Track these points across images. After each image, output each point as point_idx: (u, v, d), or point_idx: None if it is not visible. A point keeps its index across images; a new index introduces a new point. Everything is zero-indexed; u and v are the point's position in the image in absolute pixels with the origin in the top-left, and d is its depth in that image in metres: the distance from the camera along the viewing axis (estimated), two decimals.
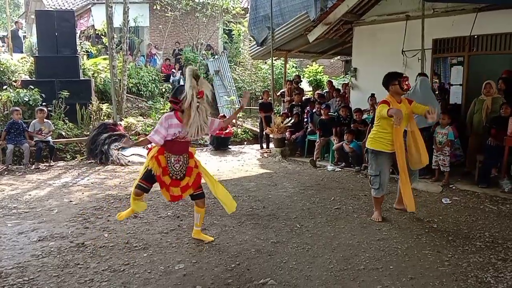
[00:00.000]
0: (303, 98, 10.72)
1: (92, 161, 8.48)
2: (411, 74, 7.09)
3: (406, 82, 4.50)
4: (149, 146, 4.25)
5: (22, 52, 13.74)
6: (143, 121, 11.25)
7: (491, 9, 7.00)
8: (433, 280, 3.28)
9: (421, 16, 7.45)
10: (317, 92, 11.90)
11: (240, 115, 13.71)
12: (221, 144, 10.34)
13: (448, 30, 7.61)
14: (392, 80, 4.52)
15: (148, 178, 3.86)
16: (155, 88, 14.22)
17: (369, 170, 4.80)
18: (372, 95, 8.07)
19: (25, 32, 17.93)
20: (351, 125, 7.92)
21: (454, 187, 6.21)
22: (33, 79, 10.81)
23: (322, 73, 16.82)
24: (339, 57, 15.35)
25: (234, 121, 12.80)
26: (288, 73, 14.77)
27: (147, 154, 4.03)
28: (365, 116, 8.26)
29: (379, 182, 4.63)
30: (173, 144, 3.82)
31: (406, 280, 3.30)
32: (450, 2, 7.33)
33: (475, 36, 7.38)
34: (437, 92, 7.93)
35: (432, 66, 8.08)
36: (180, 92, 3.67)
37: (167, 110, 11.17)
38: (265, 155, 9.47)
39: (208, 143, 10.89)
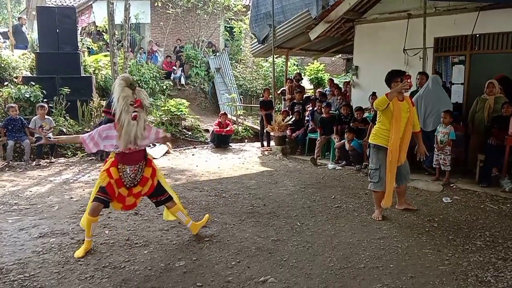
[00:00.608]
0: (304, 96, 10.71)
1: (93, 157, 8.49)
2: (413, 73, 7.09)
3: (408, 81, 4.52)
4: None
5: (26, 47, 13.69)
6: None
7: (493, 8, 6.99)
8: (433, 279, 3.29)
9: (423, 14, 7.44)
10: (319, 90, 11.88)
11: (241, 113, 13.68)
12: (221, 142, 10.34)
13: (450, 29, 7.60)
14: (395, 77, 4.57)
15: (104, 189, 3.68)
16: (156, 85, 14.21)
17: (370, 164, 4.89)
18: (374, 94, 8.06)
19: (26, 28, 17.90)
20: (351, 124, 7.92)
21: (454, 186, 6.21)
22: (34, 75, 10.80)
23: (323, 71, 16.81)
24: (340, 55, 15.35)
25: (234, 118, 12.82)
26: (289, 71, 14.75)
27: (103, 165, 3.86)
28: (366, 114, 8.26)
29: (378, 176, 4.70)
30: (126, 155, 3.65)
31: (406, 278, 3.30)
32: (452, 0, 7.32)
33: (477, 35, 7.37)
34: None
35: (434, 64, 8.07)
36: (111, 103, 3.49)
37: (168, 107, 11.21)
38: (266, 153, 9.47)
39: (209, 140, 10.89)
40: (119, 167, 3.71)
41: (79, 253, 3.70)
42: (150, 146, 3.64)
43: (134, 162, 3.72)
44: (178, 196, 4.35)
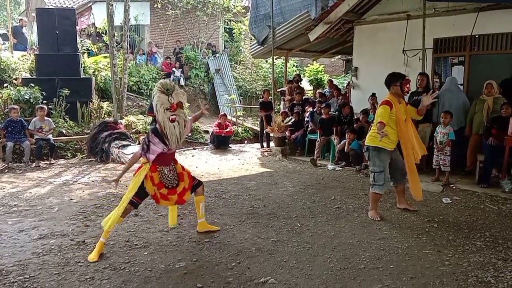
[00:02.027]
0: (303, 97, 10.72)
1: (93, 159, 8.49)
2: (412, 74, 7.11)
3: (408, 85, 4.57)
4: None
5: (26, 48, 13.70)
6: (143, 119, 11.22)
7: (492, 8, 7.00)
8: (433, 280, 3.28)
9: (422, 15, 7.44)
10: (319, 91, 11.89)
11: (241, 114, 13.70)
12: (221, 143, 10.34)
13: (449, 30, 7.60)
14: (395, 81, 4.61)
15: (140, 195, 3.86)
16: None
17: (372, 167, 4.78)
18: (373, 95, 8.07)
19: (26, 30, 17.91)
20: (355, 125, 7.91)
21: (454, 187, 6.21)
22: (34, 77, 10.80)
23: (323, 72, 16.82)
24: (339, 56, 15.35)
25: (234, 119, 12.83)
26: (289, 72, 14.76)
27: (137, 170, 3.95)
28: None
29: (383, 178, 4.67)
30: (163, 157, 3.87)
31: (407, 279, 3.30)
32: (451, 1, 7.33)
33: (476, 36, 7.37)
34: (438, 92, 7.92)
35: (433, 65, 8.07)
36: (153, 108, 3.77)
37: None
38: (266, 154, 9.47)
39: (209, 141, 10.89)
40: (158, 169, 3.90)
41: (93, 256, 3.68)
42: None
43: (169, 162, 3.98)
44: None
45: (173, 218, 4.15)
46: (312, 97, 11.75)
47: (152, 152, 3.80)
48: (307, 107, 9.70)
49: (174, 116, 3.73)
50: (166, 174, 3.94)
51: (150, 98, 3.88)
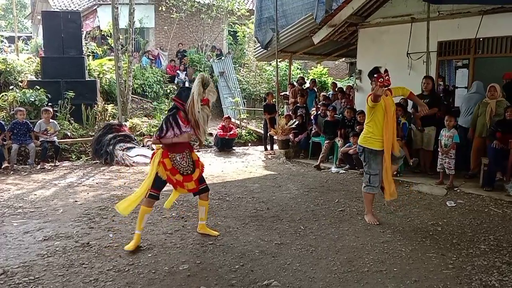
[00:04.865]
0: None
1: (97, 161, 8.53)
2: (416, 77, 7.12)
3: (379, 80, 4.36)
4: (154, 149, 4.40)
5: None
6: (147, 122, 11.29)
7: (496, 11, 6.99)
8: (437, 283, 3.28)
9: (426, 18, 7.45)
10: (323, 94, 11.90)
11: (244, 117, 13.72)
12: (225, 145, 10.36)
13: (454, 33, 7.60)
14: (371, 77, 4.55)
15: (157, 185, 4.01)
16: (160, 89, 14.28)
17: (367, 170, 4.73)
18: None
19: (31, 33, 18.04)
20: (357, 128, 7.89)
21: (458, 190, 6.19)
22: (39, 79, 10.89)
23: (327, 75, 16.82)
24: (344, 59, 15.35)
25: (238, 122, 12.85)
26: (293, 75, 14.76)
27: (152, 158, 4.14)
28: None
29: (378, 180, 4.66)
30: (175, 144, 4.03)
31: (410, 282, 3.29)
32: (455, 3, 7.32)
33: (481, 39, 7.37)
34: (442, 95, 7.92)
35: (437, 68, 8.07)
36: (186, 96, 3.94)
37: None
38: (269, 156, 9.48)
39: (212, 144, 10.91)
40: (170, 156, 4.03)
41: (129, 247, 3.92)
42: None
43: (182, 149, 4.11)
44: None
45: (170, 202, 4.39)
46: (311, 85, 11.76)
47: (180, 133, 3.98)
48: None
49: (202, 110, 3.94)
50: (178, 161, 4.06)
51: (184, 91, 4.07)
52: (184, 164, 4.09)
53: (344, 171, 7.72)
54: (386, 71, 4.44)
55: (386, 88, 4.48)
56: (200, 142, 4.17)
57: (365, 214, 4.87)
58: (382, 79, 4.35)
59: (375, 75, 4.41)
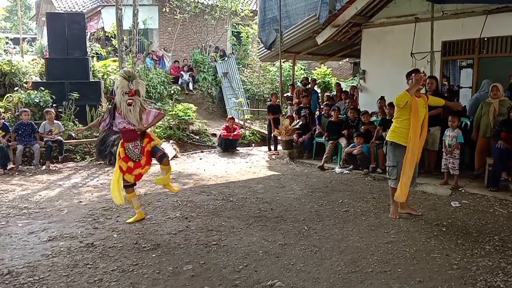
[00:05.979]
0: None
1: (102, 162, 8.54)
2: None
3: (416, 79, 4.67)
4: None
5: None
6: None
7: (501, 11, 6.96)
8: (441, 284, 3.26)
9: (431, 18, 7.42)
10: (326, 94, 11.89)
11: (248, 117, 13.73)
12: (229, 146, 10.37)
13: (458, 33, 7.58)
14: (408, 76, 4.89)
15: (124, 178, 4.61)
16: (164, 90, 14.30)
17: (387, 162, 5.03)
18: (382, 98, 8.04)
19: (35, 34, 18.13)
20: (361, 128, 7.88)
21: (463, 190, 6.16)
22: (44, 80, 10.93)
23: (331, 75, 16.79)
24: (347, 59, 15.36)
25: (242, 122, 12.85)
26: (296, 75, 14.76)
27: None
28: (373, 118, 8.23)
29: (396, 173, 4.81)
30: (126, 132, 4.53)
31: (415, 283, 3.28)
32: (459, 3, 7.29)
33: (485, 39, 7.34)
34: (446, 95, 7.88)
35: (441, 68, 8.04)
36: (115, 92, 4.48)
37: (175, 111, 11.29)
38: (273, 157, 9.48)
39: (216, 144, 10.92)
40: (124, 145, 4.58)
41: (130, 220, 4.70)
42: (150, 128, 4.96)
43: (132, 139, 4.56)
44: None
45: (121, 198, 4.71)
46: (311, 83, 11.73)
47: (118, 125, 4.49)
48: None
49: (131, 100, 4.34)
50: (131, 149, 4.56)
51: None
52: (137, 152, 4.56)
53: (348, 172, 7.70)
54: (424, 73, 4.78)
55: (421, 88, 4.86)
56: (139, 129, 4.50)
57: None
58: (416, 79, 4.67)
59: (413, 74, 4.79)
